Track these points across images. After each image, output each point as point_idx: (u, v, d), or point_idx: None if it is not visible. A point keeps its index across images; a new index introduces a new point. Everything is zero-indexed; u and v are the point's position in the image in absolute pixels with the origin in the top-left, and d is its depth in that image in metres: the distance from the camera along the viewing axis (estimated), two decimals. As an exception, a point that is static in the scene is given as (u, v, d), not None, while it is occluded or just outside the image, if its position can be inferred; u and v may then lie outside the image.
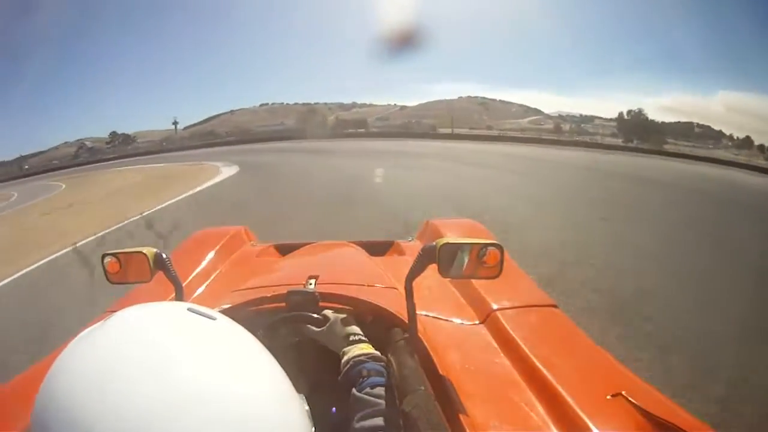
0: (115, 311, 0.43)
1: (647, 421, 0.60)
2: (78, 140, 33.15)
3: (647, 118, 26.59)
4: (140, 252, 0.81)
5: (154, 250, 0.82)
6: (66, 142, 33.36)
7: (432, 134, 26.44)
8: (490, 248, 0.73)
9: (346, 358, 0.73)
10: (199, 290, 1.23)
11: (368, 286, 1.00)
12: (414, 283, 0.75)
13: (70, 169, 24.99)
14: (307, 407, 0.48)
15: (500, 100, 33.84)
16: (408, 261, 0.79)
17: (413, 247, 1.56)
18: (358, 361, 0.71)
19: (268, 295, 0.89)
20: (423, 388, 0.64)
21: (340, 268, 1.27)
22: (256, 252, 1.66)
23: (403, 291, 0.77)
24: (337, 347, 0.77)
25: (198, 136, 32.67)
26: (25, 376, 0.83)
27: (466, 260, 0.73)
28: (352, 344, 0.75)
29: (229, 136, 30.97)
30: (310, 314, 0.82)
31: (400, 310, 0.81)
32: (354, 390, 0.66)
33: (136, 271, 0.82)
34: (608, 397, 0.65)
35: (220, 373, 0.37)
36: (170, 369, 0.35)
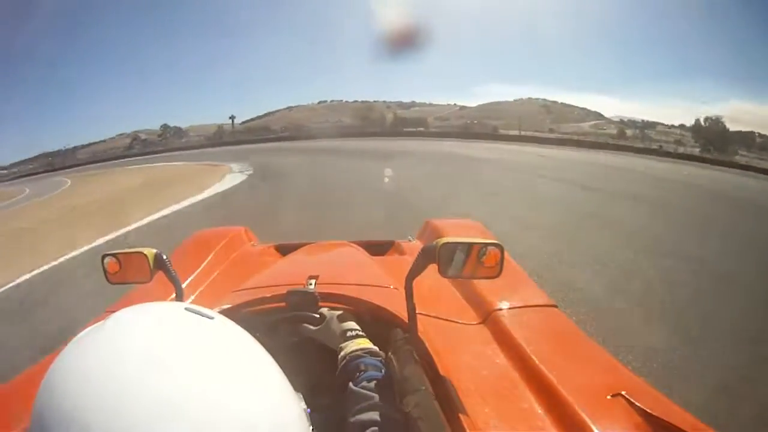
0: (114, 311, 0.43)
1: (647, 421, 0.60)
2: (134, 131, 33.57)
3: (726, 126, 23.28)
4: (140, 252, 0.81)
5: (154, 250, 0.82)
6: (123, 134, 33.90)
7: (496, 136, 23.82)
8: (490, 248, 0.73)
9: (343, 353, 0.73)
10: (199, 290, 1.23)
11: (368, 285, 1.01)
12: (414, 283, 0.75)
13: (93, 165, 25.15)
14: (305, 406, 0.48)
15: (561, 103, 32.25)
16: (408, 261, 0.79)
17: (413, 246, 1.56)
18: (355, 356, 0.71)
19: (268, 295, 0.89)
20: (423, 388, 0.64)
21: (340, 268, 1.27)
22: (256, 252, 1.66)
23: (403, 291, 0.77)
24: (335, 344, 0.77)
25: (252, 131, 32.22)
26: (26, 376, 0.83)
27: (466, 260, 0.73)
28: (350, 340, 0.76)
29: (282, 132, 30.35)
30: (306, 313, 0.82)
31: (400, 310, 0.81)
32: (350, 384, 0.66)
33: (135, 271, 0.83)
34: (608, 397, 0.65)
35: (217, 373, 0.38)
36: (167, 369, 0.35)
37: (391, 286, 1.03)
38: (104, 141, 33.36)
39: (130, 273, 0.83)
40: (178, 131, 33.86)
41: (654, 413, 0.60)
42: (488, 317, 0.93)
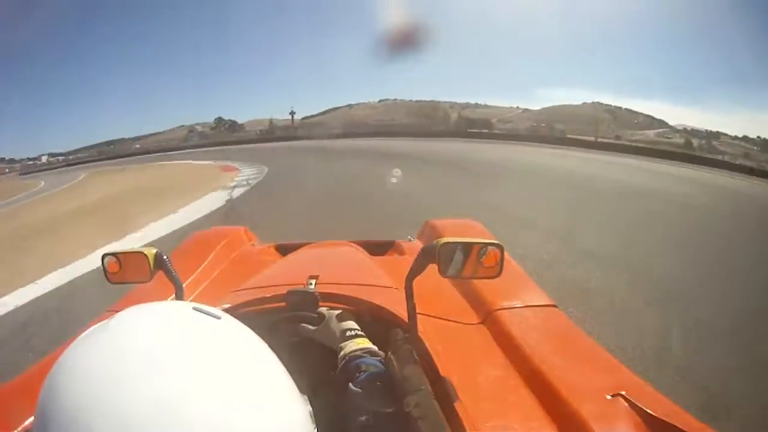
0: (115, 311, 0.42)
1: (647, 421, 0.60)
2: (191, 124, 34.73)
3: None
4: (140, 252, 0.82)
5: (155, 250, 0.82)
6: (182, 126, 35.17)
7: (570, 140, 19.90)
8: (491, 248, 0.73)
9: (342, 353, 0.73)
10: (199, 290, 1.24)
11: (368, 285, 1.01)
12: (414, 283, 0.75)
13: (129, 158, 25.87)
14: (310, 409, 0.47)
15: (626, 109, 30.62)
16: (408, 261, 0.79)
17: (413, 246, 1.56)
18: (355, 356, 0.71)
19: (268, 295, 0.89)
20: (423, 388, 0.64)
21: (340, 268, 1.28)
22: (256, 252, 1.66)
23: (403, 291, 0.77)
24: (334, 343, 0.77)
25: (309, 127, 32.12)
26: (26, 376, 0.83)
27: (466, 260, 0.73)
28: (349, 339, 0.76)
29: (336, 129, 29.50)
30: (305, 313, 0.82)
31: (400, 310, 0.81)
32: (351, 385, 0.66)
33: (136, 271, 0.83)
34: (608, 397, 0.65)
35: (224, 375, 0.37)
36: (172, 369, 0.35)
37: (392, 286, 1.03)
38: (164, 132, 34.94)
39: (130, 273, 0.83)
40: (233, 125, 34.06)
41: (654, 413, 0.61)
42: (488, 317, 0.93)
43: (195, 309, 0.42)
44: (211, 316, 0.42)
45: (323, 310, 0.82)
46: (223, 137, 31.26)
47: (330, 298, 0.86)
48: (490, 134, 24.51)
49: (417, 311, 0.76)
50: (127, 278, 0.84)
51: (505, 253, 0.74)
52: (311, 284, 0.96)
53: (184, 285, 0.85)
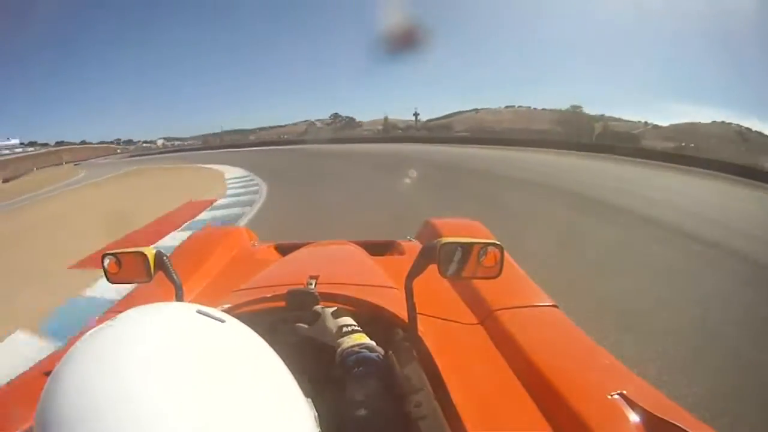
0: (115, 312, 0.42)
1: (647, 421, 0.60)
2: (309, 120, 35.29)
3: None
4: (140, 252, 0.81)
5: (155, 250, 0.82)
6: (307, 120, 35.95)
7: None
8: (491, 248, 0.73)
9: (340, 349, 0.73)
10: (200, 290, 1.23)
11: (368, 285, 1.01)
12: (414, 283, 0.75)
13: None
14: (315, 413, 0.47)
15: (757, 131, 25.72)
16: (408, 261, 0.79)
17: (413, 246, 1.56)
18: (352, 352, 0.71)
19: (268, 295, 0.89)
20: (423, 388, 0.64)
21: (340, 268, 1.28)
22: (257, 252, 1.66)
23: (403, 291, 0.77)
24: (332, 340, 0.77)
25: (431, 130, 30.89)
26: (26, 376, 0.83)
27: (467, 260, 0.73)
28: (346, 335, 0.76)
29: (462, 132, 28.48)
30: (301, 313, 0.82)
31: (400, 310, 0.81)
32: (349, 380, 0.66)
33: (136, 271, 0.82)
34: (608, 397, 0.65)
35: (227, 381, 0.37)
36: (174, 374, 0.34)
37: (392, 286, 1.03)
38: (285, 125, 36.37)
39: (131, 273, 0.83)
40: (350, 122, 33.70)
41: (654, 413, 0.61)
42: (488, 317, 0.93)
43: (199, 312, 0.42)
44: (215, 319, 0.41)
45: (318, 308, 0.82)
46: (339, 134, 30.91)
47: (330, 298, 0.86)
48: (633, 150, 16.72)
49: (417, 311, 0.76)
50: (128, 278, 0.84)
51: (505, 253, 0.74)
52: (311, 284, 0.96)
53: (184, 285, 0.85)
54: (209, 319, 0.41)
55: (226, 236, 1.71)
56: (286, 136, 32.15)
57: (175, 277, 0.83)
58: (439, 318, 0.94)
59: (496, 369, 0.77)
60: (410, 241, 1.72)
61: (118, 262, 0.84)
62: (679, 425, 0.58)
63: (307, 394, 0.48)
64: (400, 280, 0.80)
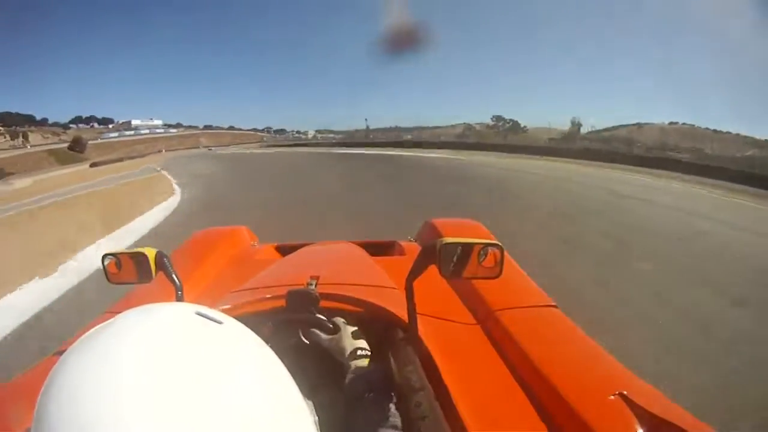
0: (114, 312, 0.42)
1: (647, 421, 0.60)
2: (467, 123, 33.08)
3: None
4: (141, 252, 0.81)
5: (155, 250, 0.82)
6: (464, 123, 34.31)
7: None
8: (491, 248, 0.73)
9: (352, 372, 0.74)
10: (200, 290, 1.23)
11: (369, 286, 1.00)
12: (414, 283, 0.75)
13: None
14: (316, 418, 0.47)
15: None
16: (408, 261, 0.79)
17: (413, 247, 1.56)
18: (363, 377, 0.72)
19: (269, 295, 0.89)
20: (423, 388, 0.64)
21: (340, 268, 1.27)
22: (257, 252, 1.66)
23: (403, 291, 0.77)
24: (343, 357, 0.78)
25: (595, 143, 26.25)
26: (26, 376, 0.83)
27: (467, 260, 0.73)
28: (359, 359, 0.76)
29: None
30: (322, 319, 0.81)
31: (401, 311, 0.81)
32: (359, 406, 0.67)
33: (136, 271, 0.82)
34: (608, 397, 0.65)
35: (228, 384, 0.36)
36: (173, 378, 0.34)
37: (392, 287, 1.03)
38: (443, 127, 34.97)
39: (131, 273, 0.83)
40: (514, 126, 29.81)
41: (654, 413, 0.61)
42: (488, 317, 0.93)
43: (198, 313, 0.41)
44: (214, 321, 0.41)
45: (339, 321, 0.82)
46: (499, 139, 27.40)
47: (330, 298, 0.86)
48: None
49: (417, 311, 0.76)
50: (128, 278, 0.84)
51: (506, 254, 0.74)
52: (312, 284, 0.96)
53: (184, 285, 0.85)
54: (208, 321, 0.41)
55: (227, 236, 1.71)
56: (442, 138, 29.96)
57: (175, 277, 0.82)
58: (439, 318, 0.94)
59: (496, 369, 0.77)
60: (411, 241, 1.72)
61: (118, 263, 0.84)
62: (679, 425, 0.58)
63: (307, 397, 0.47)
64: (401, 280, 0.80)
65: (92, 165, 29.51)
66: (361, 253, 1.43)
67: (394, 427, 0.62)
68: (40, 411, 0.33)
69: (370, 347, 0.79)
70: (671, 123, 27.21)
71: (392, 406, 0.66)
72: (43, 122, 55.69)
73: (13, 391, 0.79)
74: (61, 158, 40.70)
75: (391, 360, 0.75)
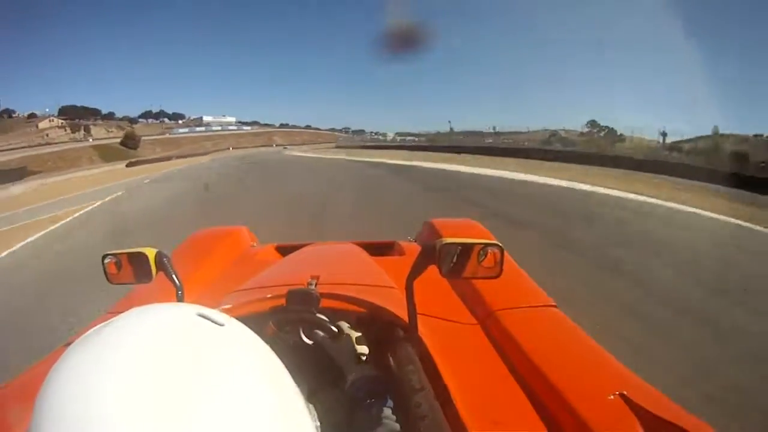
0: (115, 312, 0.42)
1: (647, 421, 0.60)
2: (553, 129, 27.87)
3: None
4: (141, 252, 0.81)
5: (155, 250, 0.82)
6: (547, 129, 29.41)
7: None
8: (491, 248, 0.73)
9: (354, 378, 0.75)
10: (200, 291, 1.23)
11: (369, 286, 1.01)
12: (414, 284, 0.75)
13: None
14: (317, 423, 0.46)
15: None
16: (408, 261, 0.79)
17: (413, 247, 1.56)
18: (365, 382, 0.73)
19: (269, 295, 0.89)
20: (423, 388, 0.64)
21: (340, 268, 1.27)
22: (257, 252, 1.66)
23: (403, 291, 0.77)
24: (345, 363, 0.78)
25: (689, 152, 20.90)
26: (25, 376, 0.83)
27: (467, 260, 0.73)
28: (360, 363, 0.77)
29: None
30: (323, 319, 0.81)
31: (401, 311, 0.81)
32: (360, 412, 0.68)
33: (136, 271, 0.82)
34: (608, 397, 0.65)
35: (228, 387, 0.36)
36: (173, 381, 0.34)
37: (392, 287, 1.03)
38: (526, 132, 30.64)
39: (131, 273, 0.83)
40: (610, 133, 24.23)
41: (654, 413, 0.61)
42: (488, 317, 0.93)
43: (199, 315, 0.41)
44: (215, 323, 0.40)
45: (344, 326, 0.82)
46: (593, 145, 22.84)
47: (331, 298, 0.86)
48: None
49: (417, 311, 0.76)
50: (128, 278, 0.84)
51: (505, 254, 0.74)
52: (312, 284, 0.96)
53: (184, 285, 0.85)
54: (209, 322, 0.40)
55: (227, 237, 1.70)
56: (526, 144, 26.15)
57: (175, 277, 0.82)
58: (439, 318, 0.94)
59: (496, 369, 0.77)
60: (411, 241, 1.72)
61: (118, 263, 0.84)
62: (679, 425, 0.58)
63: (308, 397, 0.47)
64: (401, 280, 0.80)
65: (129, 164, 27.70)
66: (361, 253, 1.43)
67: (394, 428, 0.62)
68: (37, 411, 0.33)
69: (370, 347, 0.79)
70: (756, 135, 21.88)
71: (392, 407, 0.66)
72: (110, 116, 53.65)
73: (13, 391, 0.79)
74: (106, 154, 38.15)
75: (391, 360, 0.75)
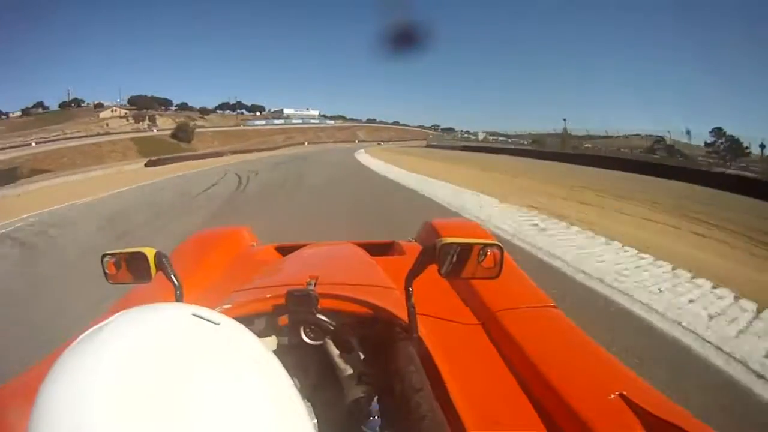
0: (114, 312, 0.42)
1: (647, 421, 0.60)
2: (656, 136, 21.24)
3: None
4: (140, 252, 0.81)
5: (155, 250, 0.82)
6: (650, 136, 22.23)
7: None
8: (490, 248, 0.73)
9: (353, 378, 0.75)
10: (199, 291, 1.23)
11: (368, 286, 1.00)
12: (414, 284, 0.75)
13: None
14: (315, 421, 0.46)
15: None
16: (408, 261, 0.79)
17: (413, 247, 1.56)
18: (365, 383, 0.73)
19: (269, 295, 0.89)
20: (423, 388, 0.64)
21: (340, 268, 1.27)
22: (257, 253, 1.66)
23: (403, 291, 0.77)
24: (344, 363, 0.79)
25: None
26: (25, 376, 0.83)
27: (466, 260, 0.73)
28: (362, 384, 0.76)
29: None
30: (323, 319, 0.81)
31: (400, 311, 0.81)
32: (360, 412, 0.68)
33: (136, 271, 0.82)
34: (608, 397, 0.65)
35: (223, 387, 0.36)
36: (167, 381, 0.34)
37: (392, 287, 1.03)
38: (622, 137, 25.33)
39: (131, 273, 0.83)
40: (733, 144, 18.55)
41: (654, 413, 0.61)
42: (488, 318, 0.93)
43: (194, 314, 0.41)
44: (210, 322, 0.40)
45: (354, 342, 0.82)
46: (697, 152, 18.96)
47: (330, 298, 0.86)
48: None
49: (417, 312, 0.76)
50: (128, 279, 0.83)
51: (505, 254, 0.74)
52: (311, 285, 0.96)
53: (183, 285, 0.85)
54: (204, 322, 0.40)
55: (226, 237, 1.70)
56: (623, 150, 21.59)
57: (174, 277, 0.82)
58: (439, 318, 0.94)
59: (496, 369, 0.77)
60: (410, 241, 1.72)
61: (117, 263, 0.84)
62: (679, 425, 0.58)
63: (307, 397, 0.47)
64: (400, 280, 0.80)
65: (148, 164, 24.16)
66: (361, 253, 1.43)
67: (394, 427, 0.62)
68: (32, 417, 0.33)
69: (370, 347, 0.79)
70: None
71: (392, 407, 0.66)
72: (184, 107, 52.98)
73: (13, 391, 0.79)
74: (148, 148, 34.20)
75: (391, 360, 0.75)
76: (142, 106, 47.37)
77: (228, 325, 0.43)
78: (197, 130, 43.72)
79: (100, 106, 46.13)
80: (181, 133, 39.82)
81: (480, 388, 0.71)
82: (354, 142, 50.10)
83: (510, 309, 0.95)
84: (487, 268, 0.74)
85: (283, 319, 0.84)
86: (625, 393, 0.65)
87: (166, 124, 44.62)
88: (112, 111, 44.79)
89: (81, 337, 0.39)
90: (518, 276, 1.18)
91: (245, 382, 0.38)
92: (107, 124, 39.80)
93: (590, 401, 0.65)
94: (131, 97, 49.07)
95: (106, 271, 0.85)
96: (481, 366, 0.79)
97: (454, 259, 0.73)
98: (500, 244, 0.74)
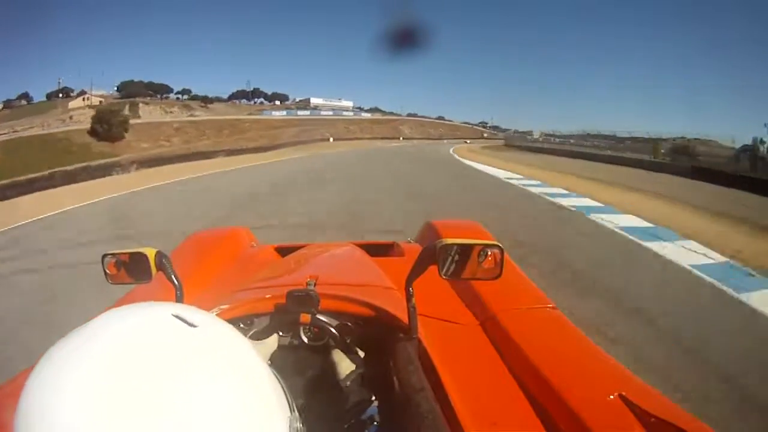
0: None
1: (647, 421, 0.60)
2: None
3: None
4: (140, 252, 0.81)
5: (155, 250, 0.82)
6: (741, 146, 15.81)
7: None
8: (491, 249, 0.73)
9: (353, 378, 0.75)
10: (199, 291, 1.23)
11: (368, 287, 1.01)
12: (414, 285, 0.75)
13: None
14: (299, 425, 0.46)
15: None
16: (408, 262, 0.79)
17: (413, 248, 1.56)
18: (365, 384, 0.73)
19: (268, 295, 0.89)
20: (423, 388, 0.64)
21: (340, 269, 1.27)
22: (257, 253, 1.66)
23: (403, 292, 0.77)
24: (344, 363, 0.79)
25: None
26: (24, 376, 0.83)
27: (467, 261, 0.73)
28: (360, 364, 0.77)
29: None
30: (323, 320, 0.81)
31: (400, 312, 0.81)
32: (359, 413, 0.68)
33: (136, 271, 0.82)
34: (608, 397, 0.66)
35: (190, 388, 0.36)
36: (138, 379, 0.34)
37: (392, 288, 1.03)
38: (684, 138, 21.91)
39: (131, 273, 0.83)
40: None
41: (654, 413, 0.61)
42: (488, 318, 0.93)
43: (174, 315, 0.40)
44: (188, 324, 0.40)
45: (357, 351, 0.83)
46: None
47: (330, 299, 0.86)
48: None
49: (417, 312, 0.76)
50: (128, 279, 0.83)
51: (505, 255, 0.74)
52: (311, 285, 0.96)
53: (183, 285, 0.85)
54: (181, 323, 0.40)
55: (226, 237, 1.70)
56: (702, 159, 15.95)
57: (174, 277, 0.82)
58: (439, 319, 0.94)
59: (496, 370, 0.77)
60: (410, 242, 1.72)
61: (119, 262, 0.84)
62: (679, 425, 0.58)
63: (300, 396, 0.46)
64: (401, 281, 0.80)
65: None
66: (361, 254, 1.43)
67: (394, 428, 0.62)
68: (17, 411, 0.35)
69: (370, 348, 0.79)
70: None
71: (391, 408, 0.66)
72: (186, 94, 45.28)
73: (13, 391, 0.79)
74: (14, 156, 19.12)
75: (391, 361, 0.75)
76: (132, 93, 39.31)
77: (208, 326, 0.42)
78: (170, 120, 32.71)
79: (82, 94, 37.96)
80: (102, 127, 24.41)
81: (480, 389, 0.71)
82: (399, 139, 42.95)
83: (510, 310, 0.95)
84: (487, 269, 0.74)
85: (284, 320, 0.84)
86: (624, 393, 0.65)
87: (153, 114, 36.25)
88: (83, 99, 36.51)
89: (66, 337, 0.39)
90: (518, 277, 1.18)
91: (218, 384, 0.38)
92: (71, 117, 30.41)
93: (590, 401, 0.65)
94: (121, 83, 41.81)
95: (107, 271, 0.85)
96: (481, 367, 0.79)
97: (455, 259, 0.73)
98: (501, 245, 0.74)
